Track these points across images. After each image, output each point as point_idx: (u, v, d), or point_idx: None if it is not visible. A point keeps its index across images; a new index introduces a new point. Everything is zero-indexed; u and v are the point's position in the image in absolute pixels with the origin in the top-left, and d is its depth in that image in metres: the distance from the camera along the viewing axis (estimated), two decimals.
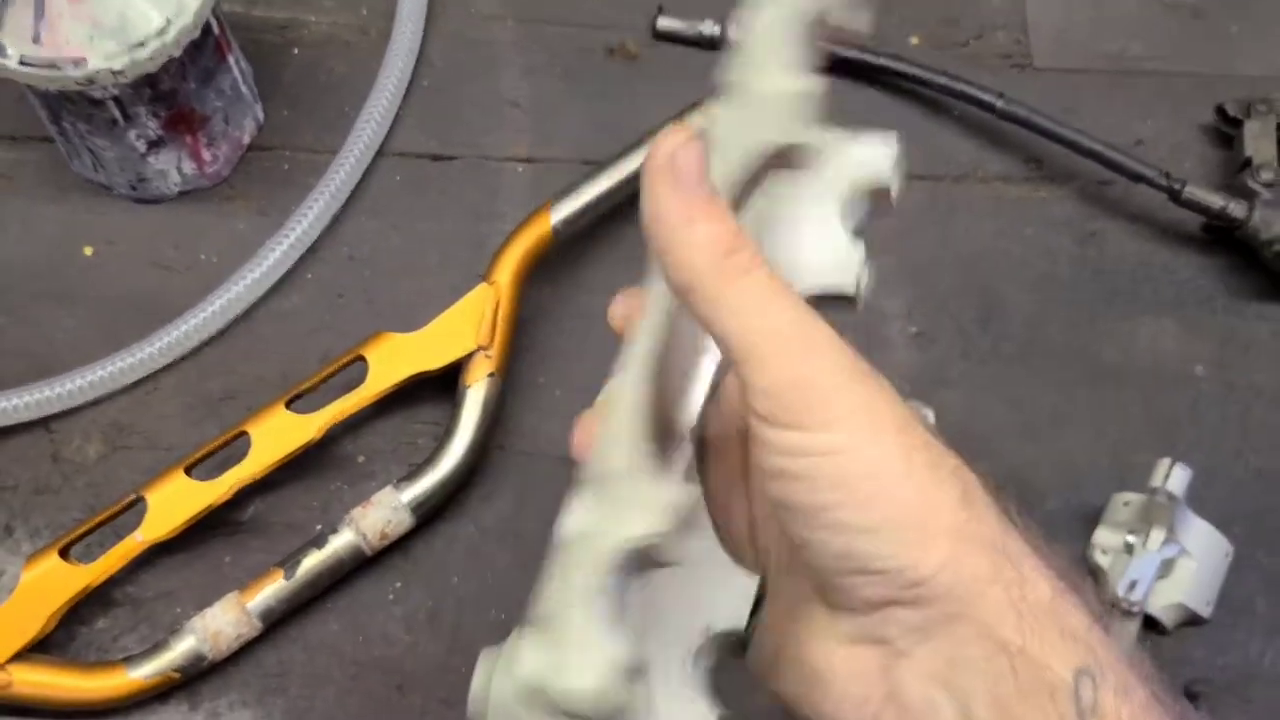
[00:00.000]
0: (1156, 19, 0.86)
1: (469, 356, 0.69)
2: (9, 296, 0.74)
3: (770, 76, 0.42)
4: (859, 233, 0.42)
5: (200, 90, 0.72)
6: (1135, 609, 0.65)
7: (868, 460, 0.34)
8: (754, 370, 0.35)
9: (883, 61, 0.80)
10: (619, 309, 0.45)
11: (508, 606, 0.67)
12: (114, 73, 0.65)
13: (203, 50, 0.70)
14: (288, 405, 0.67)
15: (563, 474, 0.70)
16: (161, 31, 0.66)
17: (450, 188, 0.78)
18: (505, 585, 0.67)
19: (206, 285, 0.73)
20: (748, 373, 0.35)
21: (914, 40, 0.84)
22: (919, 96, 0.82)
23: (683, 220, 0.37)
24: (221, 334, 0.73)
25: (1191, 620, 0.67)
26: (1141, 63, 0.84)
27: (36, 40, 0.65)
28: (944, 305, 0.75)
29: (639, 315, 0.41)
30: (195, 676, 0.64)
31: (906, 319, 0.75)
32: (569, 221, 0.72)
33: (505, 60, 0.82)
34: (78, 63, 0.64)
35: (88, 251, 0.75)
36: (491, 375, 0.68)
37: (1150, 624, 0.66)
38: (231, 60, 0.74)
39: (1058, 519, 0.70)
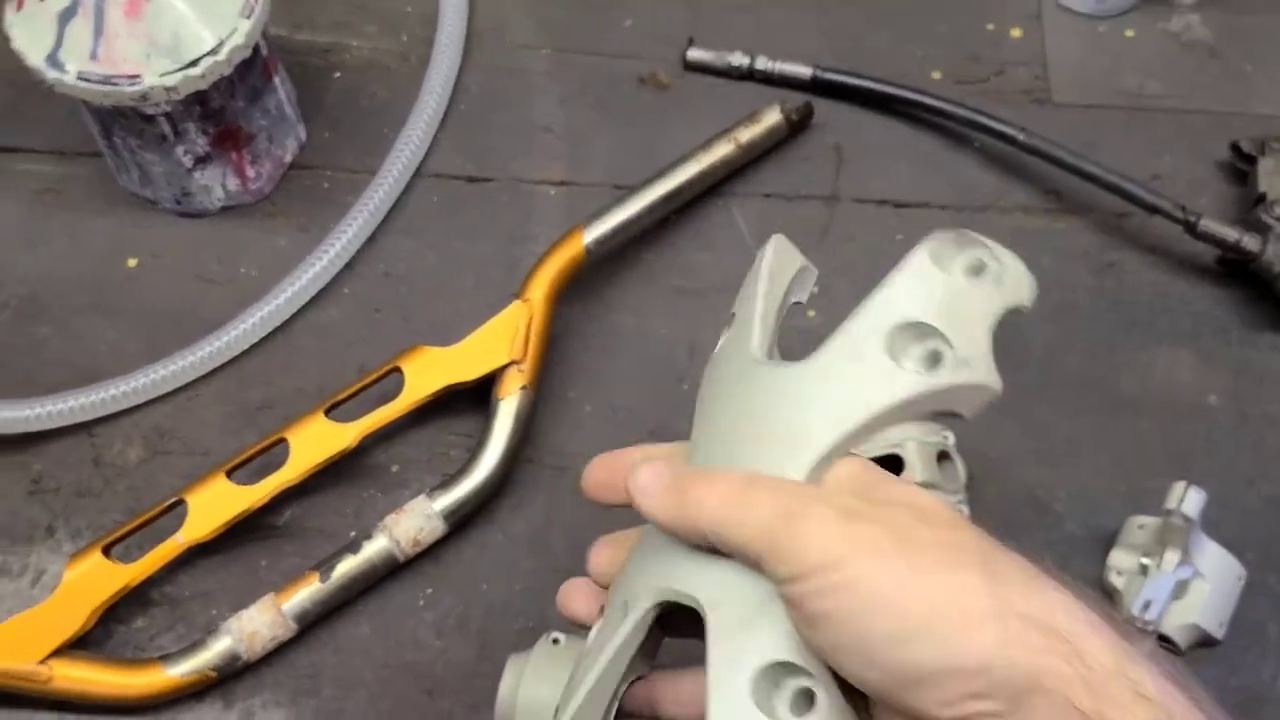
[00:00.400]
0: (1174, 58, 0.88)
1: (502, 370, 0.71)
2: (55, 308, 0.76)
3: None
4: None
5: (247, 109, 0.74)
6: (1150, 629, 0.66)
7: (880, 579, 0.37)
8: (770, 557, 0.39)
9: (908, 94, 0.83)
10: (601, 559, 0.52)
11: (535, 614, 0.68)
12: (167, 89, 0.68)
13: (251, 70, 0.73)
14: (326, 414, 0.69)
15: None
16: (214, 50, 0.68)
17: (485, 209, 0.81)
18: (533, 593, 0.69)
19: (246, 298, 0.75)
20: (769, 565, 0.40)
21: (935, 75, 0.87)
22: (941, 129, 0.84)
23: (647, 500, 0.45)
24: (261, 345, 0.75)
25: (1205, 641, 0.68)
26: (1159, 100, 0.86)
27: (94, 57, 0.67)
28: None
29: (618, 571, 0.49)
30: (230, 676, 0.66)
31: None
32: (601, 242, 0.74)
33: (539, 88, 0.85)
34: (133, 79, 0.67)
35: (132, 264, 0.78)
36: (524, 389, 0.70)
37: (1164, 644, 0.68)
38: (277, 81, 0.77)
39: (1074, 541, 0.71)
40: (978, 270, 0.49)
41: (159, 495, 0.70)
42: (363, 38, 0.86)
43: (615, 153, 0.83)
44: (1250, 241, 0.75)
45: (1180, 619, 0.67)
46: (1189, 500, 0.68)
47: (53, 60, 0.67)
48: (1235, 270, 0.79)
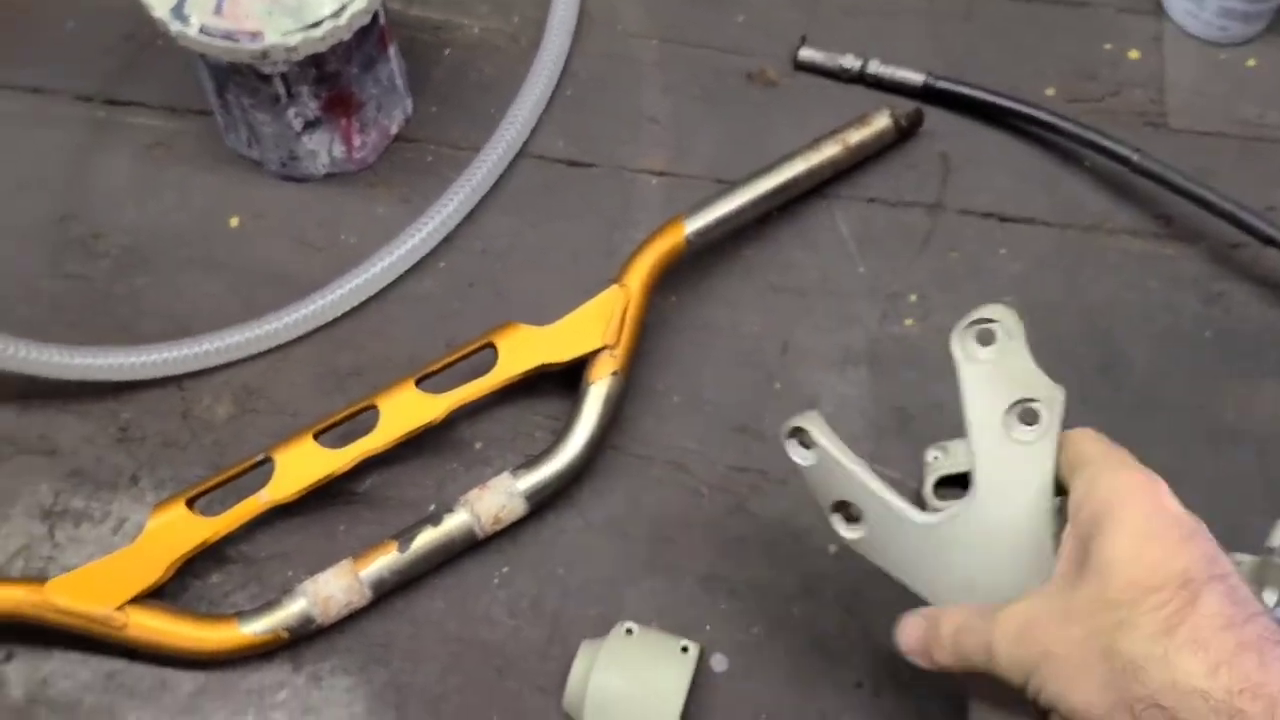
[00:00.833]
0: None
1: (594, 354, 0.70)
2: (156, 260, 0.76)
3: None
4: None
5: (360, 76, 0.74)
6: None
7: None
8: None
9: (1022, 107, 0.81)
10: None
11: (609, 601, 0.67)
12: (287, 49, 0.68)
13: (368, 38, 0.73)
14: (417, 384, 0.69)
15: (674, 479, 0.71)
16: (336, 14, 0.68)
17: (586, 193, 0.80)
18: (609, 581, 0.68)
19: (344, 264, 0.76)
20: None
21: (1049, 92, 0.85)
22: (1051, 145, 0.82)
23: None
24: (354, 312, 0.75)
25: None
26: (1278, 131, 0.84)
27: (218, 12, 0.68)
28: (1064, 350, 0.75)
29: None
30: (302, 639, 0.65)
31: None
32: (701, 233, 0.74)
33: (647, 77, 0.85)
34: (254, 36, 0.67)
35: (234, 223, 0.78)
36: (615, 374, 0.70)
37: None
38: (391, 52, 0.77)
39: None
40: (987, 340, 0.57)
41: (244, 453, 0.70)
42: (474, 17, 0.87)
43: (719, 146, 0.82)
44: None
45: None
46: None
47: (177, 12, 0.68)
48: None
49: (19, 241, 0.76)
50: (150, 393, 0.72)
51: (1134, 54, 0.87)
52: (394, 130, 0.80)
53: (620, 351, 0.70)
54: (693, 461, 0.71)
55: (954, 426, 0.72)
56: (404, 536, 0.66)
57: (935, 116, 0.83)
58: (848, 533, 0.58)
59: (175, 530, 0.65)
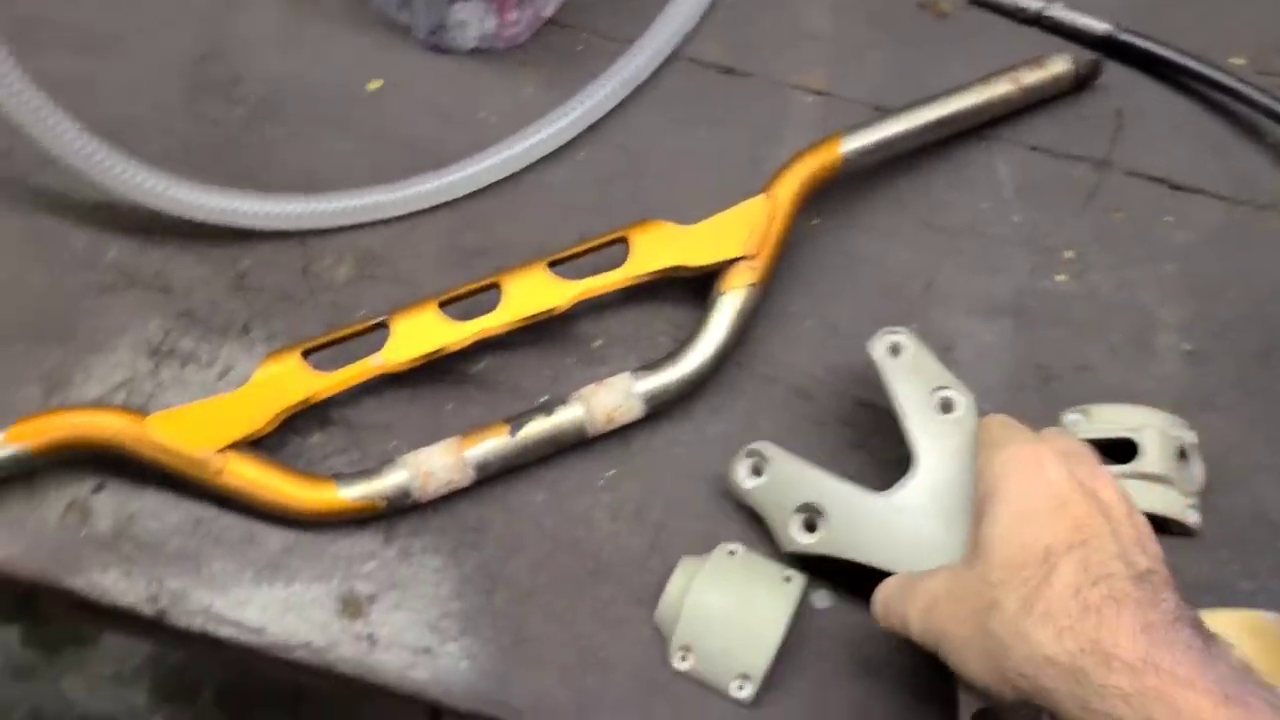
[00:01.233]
0: None
1: (732, 263, 0.67)
2: (291, 114, 0.74)
3: None
4: None
5: None
6: None
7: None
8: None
9: (1210, 71, 0.76)
10: None
11: (715, 518, 0.65)
12: None
13: None
14: (549, 267, 0.66)
15: (796, 405, 0.68)
16: None
17: (736, 103, 0.77)
18: (717, 498, 0.65)
19: (480, 142, 0.73)
20: None
21: (1239, 60, 0.80)
22: (1233, 115, 0.78)
23: None
24: (486, 191, 0.73)
25: None
26: None
27: None
28: (1225, 330, 0.71)
29: None
30: (397, 511, 0.63)
31: (1181, 333, 0.71)
32: (859, 154, 0.70)
33: None
34: None
35: (374, 86, 0.76)
36: (751, 286, 0.66)
37: None
38: None
39: None
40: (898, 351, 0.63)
41: (358, 317, 0.68)
42: None
43: (881, 72, 0.78)
44: None
45: None
46: None
47: None
48: None
49: (158, 76, 0.74)
50: (272, 245, 0.70)
51: None
52: (547, 12, 0.77)
53: (760, 264, 0.67)
54: (818, 390, 0.68)
55: (1097, 391, 0.69)
56: (515, 421, 0.64)
57: (1113, 70, 0.79)
58: (807, 539, 0.62)
59: (286, 380, 0.63)
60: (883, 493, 0.61)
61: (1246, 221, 0.75)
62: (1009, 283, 0.72)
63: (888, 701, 0.60)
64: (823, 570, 0.62)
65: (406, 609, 0.63)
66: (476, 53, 0.76)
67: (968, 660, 0.50)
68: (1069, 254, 0.73)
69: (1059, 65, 0.75)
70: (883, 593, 0.57)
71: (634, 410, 0.65)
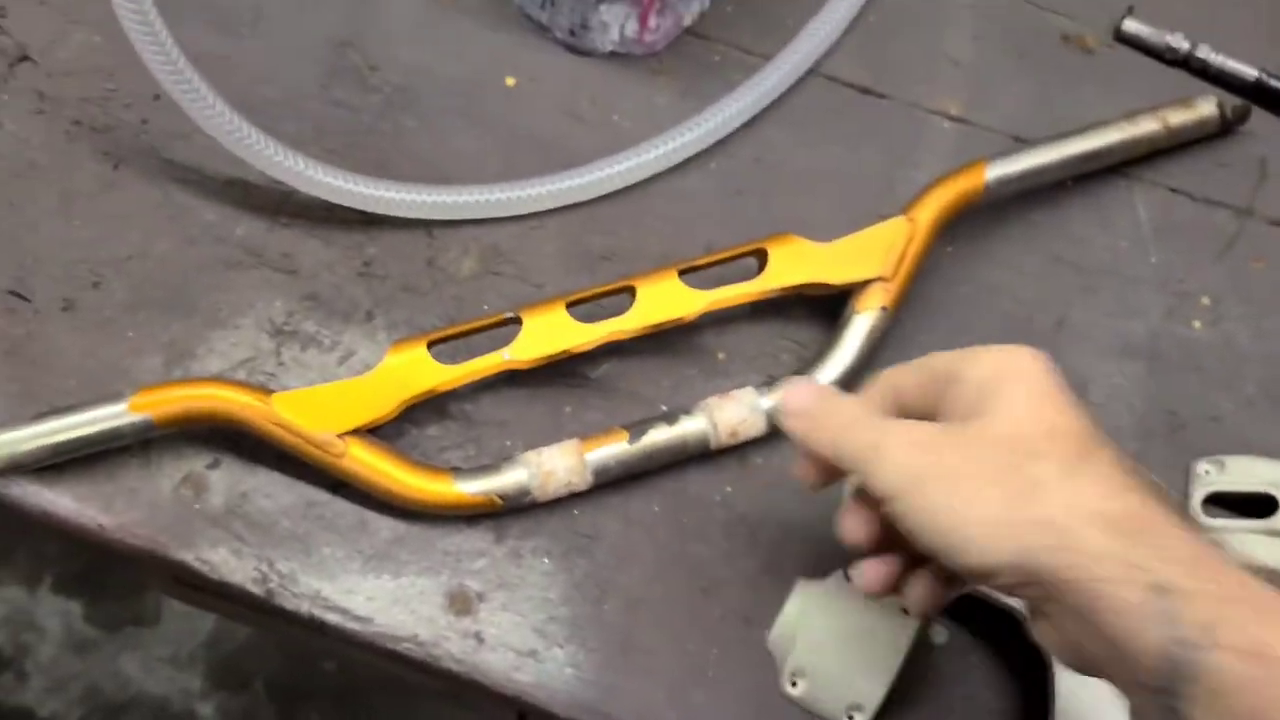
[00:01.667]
0: None
1: (866, 284, 0.66)
2: (426, 104, 0.74)
3: None
4: None
5: None
6: None
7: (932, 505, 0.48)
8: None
9: None
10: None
11: (832, 543, 0.63)
12: None
13: None
14: (679, 275, 0.65)
15: None
16: None
17: (872, 124, 0.76)
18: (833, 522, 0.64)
19: (611, 146, 0.72)
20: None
21: None
22: None
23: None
24: (614, 195, 0.72)
25: None
26: None
27: None
28: None
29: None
30: (512, 510, 0.62)
31: None
32: (1002, 182, 0.68)
33: (956, 19, 0.80)
34: None
35: (509, 82, 0.75)
36: (884, 309, 0.65)
37: None
38: None
39: None
40: None
41: (481, 312, 0.67)
42: None
43: (1020, 104, 0.77)
44: None
45: None
46: None
47: None
48: None
49: (296, 59, 0.74)
50: (399, 234, 0.70)
51: None
52: (687, 21, 0.76)
53: (894, 286, 0.66)
54: None
55: (1228, 442, 0.67)
56: (636, 429, 0.63)
57: (1259, 117, 0.77)
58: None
59: (412, 370, 0.62)
60: None
61: None
62: (1143, 325, 0.70)
63: None
64: None
65: (514, 610, 0.62)
66: (613, 56, 0.76)
67: (971, 500, 0.46)
68: (1205, 300, 0.71)
69: (1206, 108, 0.73)
70: (848, 412, 0.52)
71: (757, 426, 0.64)
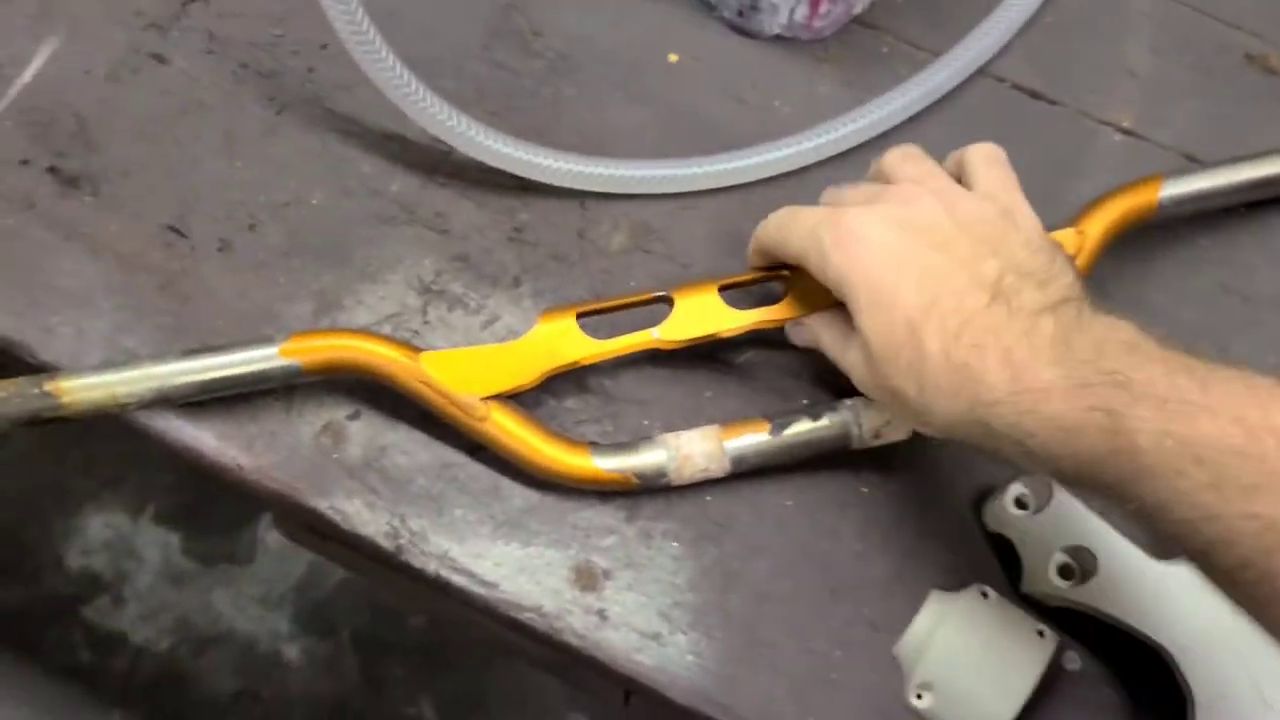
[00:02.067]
0: None
1: None
2: (586, 74, 0.73)
3: None
4: None
5: None
6: None
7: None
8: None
9: None
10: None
11: (966, 556, 0.62)
12: None
13: None
14: None
15: None
16: None
17: (1038, 130, 0.73)
18: (971, 535, 0.62)
19: (770, 131, 0.71)
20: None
21: None
22: None
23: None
24: (769, 181, 0.71)
25: None
26: None
27: None
28: None
29: None
30: (647, 490, 0.62)
31: None
32: (1175, 202, 0.66)
33: (1137, 29, 0.77)
34: None
35: (672, 59, 0.74)
36: None
37: None
38: None
39: None
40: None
41: (628, 287, 0.67)
42: None
43: (1196, 121, 0.74)
44: None
45: None
46: None
47: None
48: None
49: (461, 19, 0.74)
50: (552, 202, 0.69)
51: None
52: (857, 10, 0.75)
53: None
54: None
55: None
56: (778, 420, 0.62)
57: None
58: (1066, 584, 0.59)
59: (559, 340, 0.62)
60: (1160, 560, 0.58)
61: None
62: None
63: None
64: (1062, 622, 0.59)
65: (639, 591, 0.61)
66: (778, 40, 0.74)
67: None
68: None
69: None
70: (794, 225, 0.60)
71: (902, 430, 0.62)
